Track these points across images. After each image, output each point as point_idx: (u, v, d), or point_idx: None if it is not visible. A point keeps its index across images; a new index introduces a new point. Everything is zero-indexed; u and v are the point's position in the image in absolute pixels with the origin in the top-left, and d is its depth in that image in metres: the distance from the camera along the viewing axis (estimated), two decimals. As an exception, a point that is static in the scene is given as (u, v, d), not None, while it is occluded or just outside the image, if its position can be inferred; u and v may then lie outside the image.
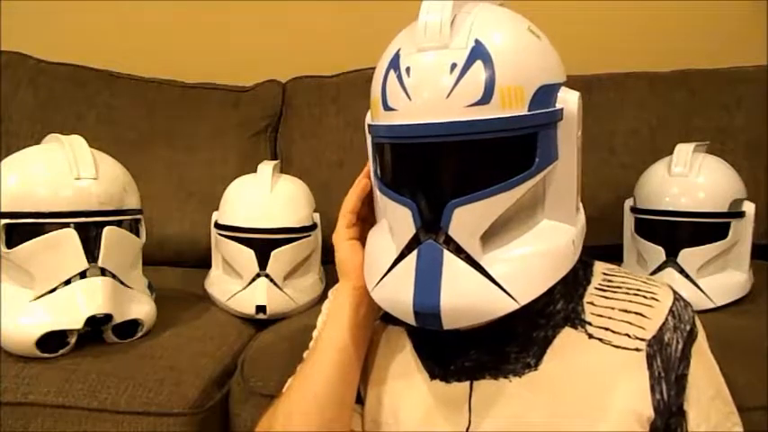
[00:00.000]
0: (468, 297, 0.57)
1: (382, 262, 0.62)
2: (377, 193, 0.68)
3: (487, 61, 0.57)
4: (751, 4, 1.71)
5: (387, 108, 0.60)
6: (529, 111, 0.58)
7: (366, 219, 0.73)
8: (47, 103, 1.60)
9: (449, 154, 0.59)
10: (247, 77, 1.72)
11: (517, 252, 0.60)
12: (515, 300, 0.58)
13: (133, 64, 1.72)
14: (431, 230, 0.58)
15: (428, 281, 0.57)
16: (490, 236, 0.59)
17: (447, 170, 0.60)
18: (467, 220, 0.57)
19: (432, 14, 0.58)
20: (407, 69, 0.59)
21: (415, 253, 0.59)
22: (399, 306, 0.60)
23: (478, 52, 0.57)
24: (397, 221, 0.62)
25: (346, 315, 0.68)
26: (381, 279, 0.62)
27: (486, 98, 0.56)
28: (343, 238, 0.71)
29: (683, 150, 1.19)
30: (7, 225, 0.96)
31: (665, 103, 1.52)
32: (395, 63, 0.60)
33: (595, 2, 1.73)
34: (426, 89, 0.58)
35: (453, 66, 0.57)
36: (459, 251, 0.58)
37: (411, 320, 0.59)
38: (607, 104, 1.53)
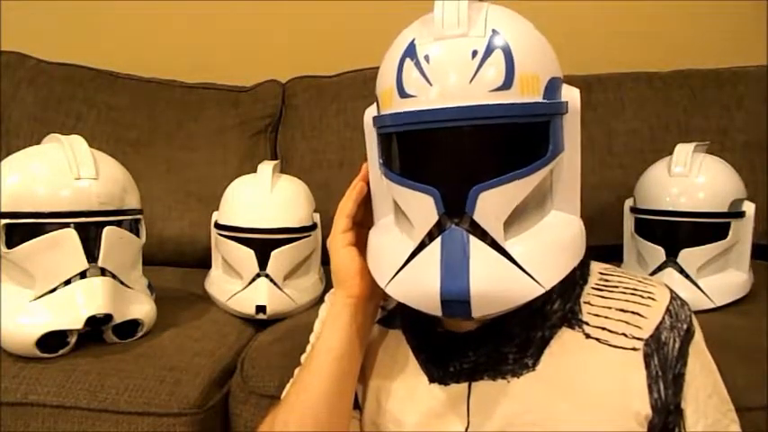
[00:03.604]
0: (496, 282, 0.57)
1: (396, 256, 0.62)
2: (380, 188, 0.68)
3: (506, 49, 0.58)
4: (751, 4, 1.71)
5: (404, 95, 0.60)
6: (544, 99, 0.59)
7: (362, 223, 0.72)
8: (47, 103, 1.60)
9: (472, 138, 0.59)
10: (247, 77, 1.72)
11: (536, 239, 0.60)
12: (541, 284, 0.58)
13: (133, 64, 1.72)
14: (454, 217, 0.58)
15: (456, 267, 0.56)
16: (507, 224, 0.59)
17: (471, 155, 0.60)
18: (492, 205, 0.58)
19: (448, 6, 0.59)
20: (426, 57, 0.59)
21: (438, 240, 0.58)
22: (423, 296, 0.59)
23: (497, 40, 0.58)
24: (416, 210, 0.61)
25: (342, 324, 0.68)
26: (397, 273, 0.61)
27: (507, 84, 0.57)
28: (339, 243, 0.70)
29: (683, 150, 1.19)
30: (7, 225, 0.96)
31: (665, 103, 1.52)
32: (410, 52, 0.60)
33: (595, 2, 1.73)
34: (449, 74, 0.58)
35: (474, 52, 0.57)
36: (483, 236, 0.58)
37: (436, 310, 0.58)
38: (607, 104, 1.54)
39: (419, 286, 0.59)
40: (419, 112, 0.59)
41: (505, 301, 0.58)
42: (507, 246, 0.58)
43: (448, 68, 0.58)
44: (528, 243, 0.59)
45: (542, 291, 0.58)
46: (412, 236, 0.61)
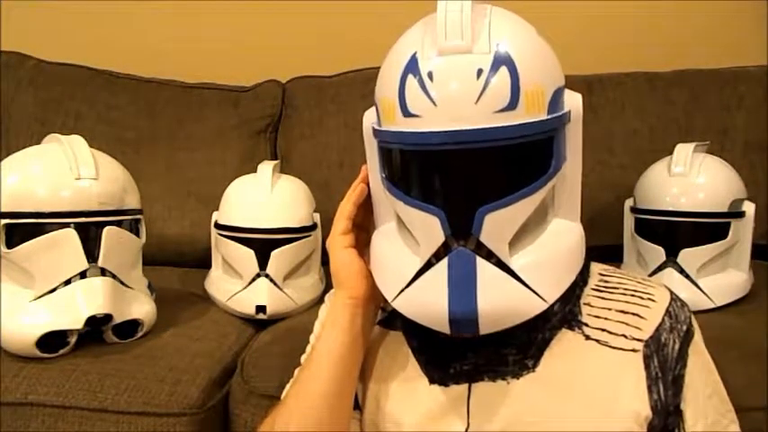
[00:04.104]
0: (503, 301, 0.58)
1: (402, 270, 0.62)
2: (381, 193, 0.68)
3: (511, 67, 0.57)
4: (751, 4, 1.71)
5: (407, 114, 0.59)
6: (548, 114, 0.59)
7: (361, 224, 0.72)
8: (47, 103, 1.60)
9: (477, 160, 0.59)
10: (247, 77, 1.72)
11: (538, 253, 0.60)
12: (544, 300, 0.58)
13: (133, 64, 1.72)
14: (460, 237, 0.58)
15: (463, 288, 0.57)
16: (511, 240, 0.59)
17: (476, 176, 0.60)
18: (497, 226, 0.58)
19: (451, 17, 0.57)
20: (429, 74, 0.57)
21: (445, 261, 0.58)
22: (431, 315, 0.59)
23: (502, 57, 0.57)
24: (421, 229, 0.61)
25: (343, 325, 0.68)
26: (404, 289, 0.61)
27: (512, 104, 0.57)
28: (339, 245, 0.69)
29: (683, 150, 1.19)
30: (7, 225, 0.96)
31: (665, 103, 1.52)
32: (413, 67, 0.59)
33: (595, 2, 1.73)
34: (453, 95, 0.57)
35: (480, 71, 0.56)
36: (489, 256, 0.58)
37: (445, 329, 0.59)
38: (607, 104, 1.53)
39: (427, 305, 0.59)
40: (424, 134, 0.58)
41: (511, 318, 0.59)
42: (512, 262, 0.58)
43: (452, 88, 0.57)
44: (531, 258, 0.60)
45: (546, 306, 0.59)
46: (418, 252, 0.61)
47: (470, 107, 0.56)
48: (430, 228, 0.59)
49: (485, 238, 0.58)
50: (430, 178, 0.62)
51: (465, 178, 0.60)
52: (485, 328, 0.58)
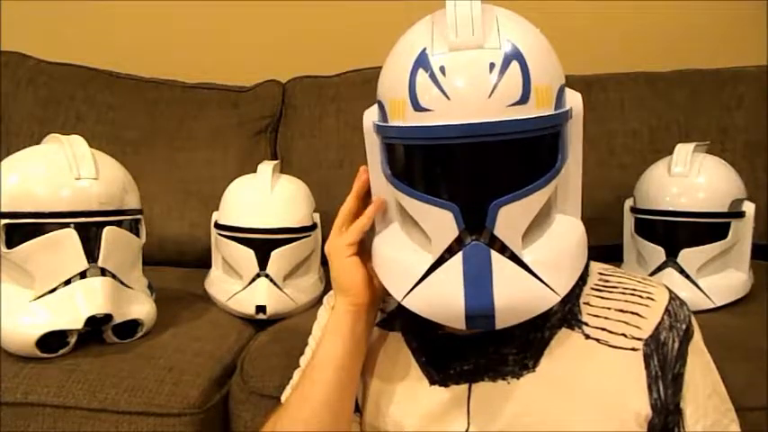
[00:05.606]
0: (519, 295, 0.58)
1: (412, 269, 0.61)
2: (383, 195, 0.67)
3: (522, 62, 0.57)
4: (751, 4, 1.71)
5: (419, 109, 0.58)
6: (555, 110, 0.59)
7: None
8: (47, 103, 1.60)
9: (488, 153, 0.59)
10: (247, 77, 1.72)
11: (548, 248, 0.61)
12: (557, 293, 0.59)
13: (133, 64, 1.72)
14: (473, 231, 0.58)
15: (479, 282, 0.57)
16: (522, 235, 0.59)
17: (490, 169, 0.60)
18: (511, 219, 0.58)
19: (461, 13, 0.58)
20: (442, 69, 0.58)
21: (459, 255, 0.58)
22: (447, 311, 0.59)
23: (513, 52, 0.58)
24: (433, 225, 0.60)
25: (344, 332, 0.67)
26: (415, 286, 0.61)
27: (524, 98, 0.57)
28: (341, 252, 0.69)
29: (683, 150, 1.19)
30: (7, 225, 0.96)
31: (665, 103, 1.52)
32: (423, 62, 0.59)
33: (595, 2, 1.73)
34: (467, 89, 0.57)
35: (492, 65, 0.57)
36: (503, 250, 0.58)
37: (460, 324, 0.58)
38: (607, 104, 1.54)
39: (442, 301, 0.59)
40: (438, 127, 0.57)
41: (527, 312, 0.59)
42: (523, 256, 0.59)
43: (466, 82, 0.57)
44: (541, 252, 0.60)
45: (558, 299, 0.59)
46: (429, 249, 0.61)
47: (484, 101, 0.56)
48: (443, 222, 0.59)
49: (499, 231, 0.58)
50: (443, 172, 0.61)
51: (478, 171, 0.60)
52: (501, 323, 0.58)
